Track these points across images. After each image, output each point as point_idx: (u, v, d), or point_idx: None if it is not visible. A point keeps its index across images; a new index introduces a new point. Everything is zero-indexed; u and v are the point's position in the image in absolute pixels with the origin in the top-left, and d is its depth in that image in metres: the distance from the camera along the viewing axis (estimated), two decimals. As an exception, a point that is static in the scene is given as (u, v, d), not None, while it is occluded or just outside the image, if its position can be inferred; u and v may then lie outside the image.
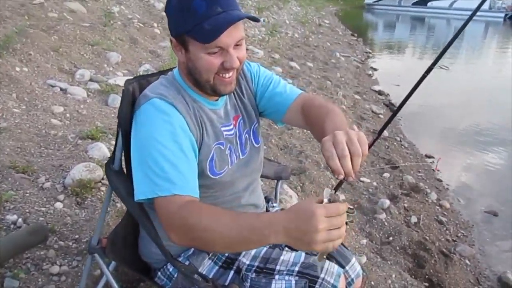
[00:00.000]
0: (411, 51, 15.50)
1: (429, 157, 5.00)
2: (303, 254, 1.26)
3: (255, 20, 1.15)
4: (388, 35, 21.35)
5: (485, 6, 34.49)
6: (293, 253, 1.27)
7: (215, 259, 1.27)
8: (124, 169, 1.34)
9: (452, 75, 10.28)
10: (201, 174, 1.18)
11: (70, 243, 1.96)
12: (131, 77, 1.35)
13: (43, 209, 2.10)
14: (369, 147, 1.26)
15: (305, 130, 4.43)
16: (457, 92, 8.20)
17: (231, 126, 1.30)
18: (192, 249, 1.28)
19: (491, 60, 13.72)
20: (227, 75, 1.15)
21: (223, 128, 1.26)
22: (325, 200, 0.86)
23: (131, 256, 1.41)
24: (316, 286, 1.17)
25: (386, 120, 1.34)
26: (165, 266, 1.30)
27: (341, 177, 0.88)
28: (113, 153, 1.30)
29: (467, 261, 3.02)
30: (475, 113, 6.98)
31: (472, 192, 4.25)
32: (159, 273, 1.32)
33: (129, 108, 1.25)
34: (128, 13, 7.07)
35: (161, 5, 8.14)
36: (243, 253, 1.26)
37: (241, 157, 1.32)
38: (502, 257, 3.18)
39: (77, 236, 2.00)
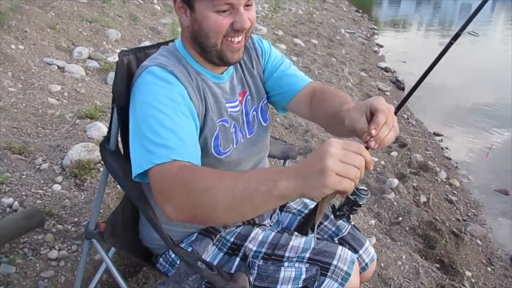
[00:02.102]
0: (416, 27, 15.20)
1: (438, 135, 4.88)
2: (314, 240, 1.17)
3: None
4: (393, 11, 20.96)
5: (493, -19, 33.79)
6: (303, 238, 1.18)
7: (219, 245, 1.18)
8: (121, 149, 1.24)
9: (459, 50, 10.02)
10: (205, 153, 1.08)
11: (69, 227, 1.88)
12: (126, 49, 1.24)
13: (40, 191, 2.01)
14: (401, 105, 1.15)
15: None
16: (465, 69, 8.00)
17: (237, 103, 1.19)
18: (195, 234, 1.19)
19: (498, 36, 13.40)
20: (236, 39, 1.04)
21: (227, 105, 1.15)
22: None
23: (131, 241, 1.33)
24: (329, 273, 1.08)
25: (407, 93, 1.23)
26: (167, 252, 1.21)
27: (372, 144, 0.83)
28: (109, 131, 1.20)
29: (478, 241, 2.95)
30: (483, 91, 6.81)
31: (482, 170, 4.15)
32: (161, 259, 1.23)
33: (124, 82, 1.15)
34: (127, -11, 6.87)
35: (161, -19, 7.90)
36: (250, 238, 1.17)
37: (247, 136, 1.22)
38: (514, 237, 3.10)
39: (76, 219, 1.92)
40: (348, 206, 1.28)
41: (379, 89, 6.07)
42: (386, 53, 9.10)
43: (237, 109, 1.19)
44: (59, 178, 2.12)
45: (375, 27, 13.02)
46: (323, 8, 13.64)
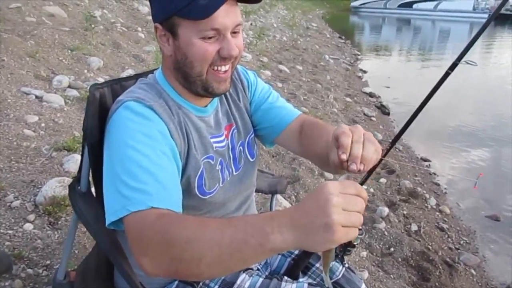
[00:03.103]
0: (398, 52, 15.52)
1: (425, 160, 4.85)
2: (305, 286, 1.06)
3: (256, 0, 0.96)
4: (375, 37, 21.44)
5: (469, 7, 35.15)
6: (294, 285, 1.07)
7: (204, 293, 1.06)
8: (94, 192, 1.13)
9: (441, 74, 10.20)
10: (188, 194, 0.98)
11: (40, 271, 1.74)
12: (100, 82, 1.15)
13: (10, 231, 1.87)
14: (384, 155, 1.09)
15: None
16: (448, 92, 8.11)
17: (223, 137, 1.10)
18: (176, 282, 1.07)
19: (479, 60, 13.74)
20: (223, 68, 0.96)
21: (212, 140, 1.06)
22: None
23: (105, 291, 1.20)
24: None
25: (401, 128, 1.16)
26: (144, 304, 1.09)
27: (353, 166, 0.78)
28: (79, 172, 1.09)
29: (472, 271, 2.86)
30: (468, 114, 6.88)
31: (471, 196, 4.10)
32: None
33: (96, 118, 1.05)
34: (111, 17, 6.85)
35: (145, 9, 7.93)
36: (235, 286, 1.06)
37: (234, 173, 1.13)
38: (508, 265, 3.03)
39: (48, 262, 1.78)
40: (342, 246, 1.19)
41: (364, 114, 6.07)
42: (369, 78, 9.20)
43: (223, 143, 1.10)
44: (31, 217, 1.99)
45: (358, 52, 13.23)
46: (307, 34, 13.86)
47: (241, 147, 1.16)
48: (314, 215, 0.62)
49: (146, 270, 0.75)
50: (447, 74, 1.07)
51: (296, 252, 1.31)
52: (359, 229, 1.12)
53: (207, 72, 0.95)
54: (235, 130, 1.15)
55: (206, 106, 1.07)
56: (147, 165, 0.84)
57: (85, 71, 4.32)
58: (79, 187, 1.10)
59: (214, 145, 1.06)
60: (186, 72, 0.96)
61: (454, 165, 4.88)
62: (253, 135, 1.21)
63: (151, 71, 1.30)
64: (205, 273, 0.72)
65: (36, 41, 4.41)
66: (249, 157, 1.19)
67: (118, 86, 1.18)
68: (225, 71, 0.97)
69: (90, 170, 1.09)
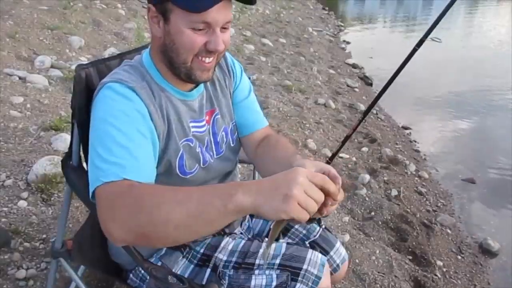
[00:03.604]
0: (382, 23, 15.50)
1: (406, 128, 4.99)
2: (284, 245, 1.16)
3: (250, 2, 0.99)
4: (359, 8, 21.30)
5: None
6: (274, 245, 1.17)
7: (190, 257, 1.16)
8: (84, 165, 1.21)
9: (424, 44, 10.30)
10: (170, 174, 1.06)
11: (37, 244, 1.82)
12: (84, 62, 1.21)
13: (5, 209, 1.95)
14: (354, 129, 1.18)
15: (281, 108, 4.33)
16: (429, 61, 8.22)
17: (203, 123, 1.15)
18: (165, 248, 1.17)
19: (460, 30, 13.84)
20: (207, 60, 1.00)
21: (191, 124, 1.11)
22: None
23: (100, 257, 1.30)
24: (299, 278, 1.08)
25: (373, 99, 1.25)
26: (137, 268, 1.19)
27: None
28: (70, 147, 1.17)
29: (448, 231, 3.03)
30: (446, 82, 7.02)
31: (449, 161, 4.28)
32: (131, 274, 1.21)
33: (83, 96, 1.12)
34: (90, -6, 6.71)
35: (124, -15, 7.76)
36: (220, 248, 1.16)
37: (215, 156, 1.19)
38: (482, 224, 3.21)
39: (44, 236, 1.87)
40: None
41: (347, 85, 6.16)
42: (353, 50, 9.25)
43: (203, 129, 1.15)
44: (25, 194, 2.06)
45: (342, 24, 13.21)
46: (290, 7, 13.72)
47: (223, 133, 1.20)
48: (279, 185, 0.72)
49: (113, 237, 0.80)
50: (414, 51, 1.15)
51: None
52: (315, 219, 1.22)
53: (192, 60, 0.99)
54: (218, 116, 1.19)
55: (190, 90, 1.11)
56: (122, 141, 0.90)
57: (67, 50, 4.30)
58: (71, 162, 1.17)
59: (193, 129, 1.11)
60: (171, 57, 0.99)
61: (433, 131, 5.03)
62: (235, 122, 1.26)
63: (136, 50, 1.36)
64: (172, 236, 0.77)
65: (15, 21, 4.35)
66: (231, 142, 1.23)
67: (103, 66, 1.23)
68: (209, 62, 1.01)
69: (81, 146, 1.17)
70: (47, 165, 2.17)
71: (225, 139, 1.21)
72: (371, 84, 6.69)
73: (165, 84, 1.06)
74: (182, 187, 0.83)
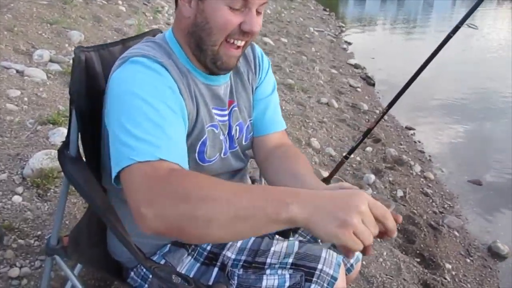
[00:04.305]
0: (382, 24, 15.47)
1: (410, 128, 4.92)
2: (297, 244, 1.08)
3: None
4: (359, 9, 21.29)
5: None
6: (286, 243, 1.09)
7: (195, 255, 1.08)
8: (83, 156, 1.13)
9: (425, 44, 10.26)
10: (188, 158, 0.98)
11: (32, 241, 1.73)
12: (84, 46, 1.13)
13: (-2, 204, 1.86)
14: (377, 122, 1.11)
15: (284, 107, 4.26)
16: (434, 63, 8.16)
17: (226, 111, 1.08)
18: (168, 246, 1.08)
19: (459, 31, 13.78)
20: (238, 43, 0.94)
21: (214, 111, 1.04)
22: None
23: (99, 255, 1.21)
24: (314, 279, 0.99)
25: (399, 91, 1.17)
26: (138, 266, 1.11)
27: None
28: (67, 136, 1.08)
29: (456, 233, 2.96)
30: (451, 83, 6.95)
31: (454, 162, 4.20)
32: (132, 273, 1.12)
33: (83, 81, 1.04)
34: (90, -10, 6.63)
35: (125, -19, 7.68)
36: (228, 245, 1.08)
37: (229, 151, 1.11)
38: (489, 226, 3.14)
39: (39, 233, 1.78)
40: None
41: (350, 85, 6.09)
42: (354, 50, 9.19)
43: (225, 118, 1.08)
44: (20, 189, 1.97)
45: (343, 25, 13.15)
46: (291, 7, 13.65)
47: (237, 127, 1.12)
48: (340, 208, 0.65)
49: (146, 223, 0.71)
50: (448, 37, 1.07)
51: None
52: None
53: (222, 43, 0.93)
54: (235, 108, 1.12)
55: (217, 75, 1.03)
56: (155, 118, 0.81)
57: (66, 45, 4.21)
58: (68, 152, 1.09)
59: (216, 116, 1.04)
60: (202, 37, 0.93)
61: (437, 132, 4.96)
62: (252, 120, 1.18)
63: (140, 35, 1.28)
64: (212, 235, 0.70)
65: (14, 14, 4.26)
66: (243, 140, 1.16)
67: (106, 51, 1.15)
68: (239, 47, 0.95)
69: (79, 135, 1.09)
70: (44, 159, 2.08)
71: (238, 135, 1.13)
72: (373, 84, 6.62)
73: (190, 66, 0.99)
74: (232, 182, 0.76)
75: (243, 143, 1.16)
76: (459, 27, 1.05)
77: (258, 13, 0.93)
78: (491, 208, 3.38)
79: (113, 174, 0.81)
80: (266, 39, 7.48)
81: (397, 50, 9.96)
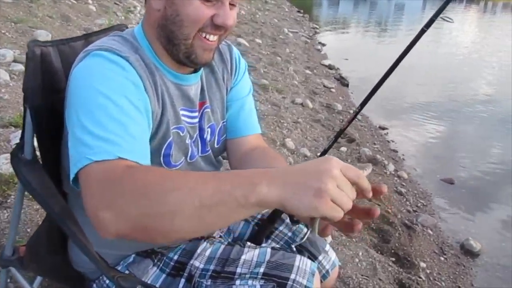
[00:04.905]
0: (355, 26, 15.69)
1: (383, 128, 4.96)
2: (269, 251, 1.02)
3: None
4: (333, 11, 21.55)
5: (423, -19, 35.93)
6: (257, 250, 1.03)
7: (161, 265, 1.01)
8: (41, 159, 1.05)
9: (397, 45, 10.45)
10: (152, 162, 0.89)
11: (-10, 251, 1.63)
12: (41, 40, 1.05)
13: (-47, 212, 1.74)
14: (350, 122, 1.11)
15: (259, 107, 4.22)
16: (403, 61, 8.29)
17: (196, 113, 1.02)
18: (133, 256, 1.01)
19: (430, 32, 14.13)
20: (211, 37, 0.88)
21: (182, 112, 0.98)
22: None
23: (59, 265, 1.13)
24: None
25: (371, 90, 1.14)
26: (101, 277, 1.03)
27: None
28: (22, 138, 1.00)
29: (429, 231, 2.98)
30: (422, 83, 7.08)
31: (427, 161, 4.26)
32: (94, 285, 1.05)
33: (38, 77, 0.96)
34: (58, -11, 6.43)
35: (95, -20, 7.49)
36: (196, 254, 1.01)
37: (200, 154, 1.06)
38: (462, 224, 3.18)
39: (-2, 243, 1.67)
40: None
41: (324, 86, 6.11)
42: (328, 51, 9.26)
43: (195, 120, 1.02)
44: (-23, 196, 1.85)
45: (317, 26, 13.26)
46: (265, 8, 13.68)
47: (209, 129, 1.07)
48: (311, 176, 0.61)
49: (105, 228, 0.65)
50: (422, 32, 1.04)
51: (259, 216, 1.28)
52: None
53: (194, 37, 0.87)
54: (207, 110, 1.05)
55: (188, 73, 0.98)
56: (117, 115, 0.75)
57: (32, 44, 4.05)
58: (22, 154, 1.01)
59: (183, 118, 0.98)
60: (173, 31, 0.87)
61: (410, 131, 5.02)
62: (226, 122, 1.12)
63: (104, 30, 1.20)
64: (179, 230, 0.64)
65: (-25, 12, 4.08)
66: (215, 143, 1.10)
67: (66, 46, 1.08)
68: (213, 41, 0.89)
69: (35, 136, 1.01)
70: (4, 164, 1.97)
71: (210, 138, 1.07)
72: (347, 85, 6.67)
73: (159, 63, 0.93)
74: (193, 171, 0.70)
75: (215, 146, 1.11)
76: (434, 20, 1.03)
77: (232, 6, 0.88)
78: (463, 206, 3.43)
79: (71, 176, 0.75)
80: (241, 40, 7.44)
81: (370, 51, 10.10)
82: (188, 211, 0.62)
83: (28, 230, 1.75)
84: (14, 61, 3.55)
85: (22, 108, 2.61)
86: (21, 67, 3.44)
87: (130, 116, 0.78)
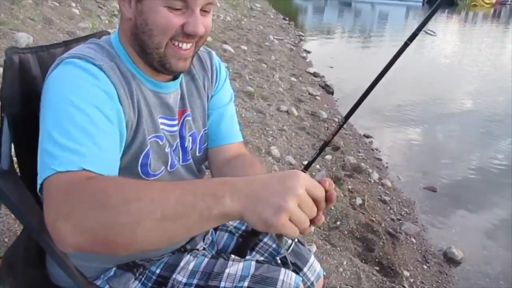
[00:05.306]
0: (340, 34, 15.83)
1: (367, 136, 5.00)
2: (253, 264, 1.01)
3: None
4: (318, 19, 21.74)
5: (406, -9, 36.66)
6: (241, 264, 1.02)
7: (143, 279, 0.98)
8: (18, 169, 1.02)
9: (381, 53, 10.59)
10: (130, 171, 0.89)
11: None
12: (20, 47, 1.02)
13: None
14: (334, 135, 1.12)
15: (244, 114, 4.21)
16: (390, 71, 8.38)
17: (175, 121, 1.00)
18: (113, 269, 0.99)
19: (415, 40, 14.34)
20: (184, 46, 0.86)
21: (161, 120, 0.96)
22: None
23: (37, 280, 1.09)
24: None
25: (355, 103, 1.15)
26: (80, 291, 1.00)
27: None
28: (-2, 147, 0.96)
29: (413, 239, 2.99)
30: (406, 91, 7.17)
31: (410, 169, 4.30)
32: (73, 300, 1.01)
33: (16, 85, 0.93)
34: (41, -9, 6.33)
35: (79, -16, 7.41)
36: (179, 268, 0.99)
37: (181, 163, 1.04)
38: (445, 232, 3.20)
39: (-27, 253, 1.61)
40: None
41: (309, 93, 6.13)
42: (313, 59, 9.30)
43: (174, 129, 1.00)
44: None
45: (302, 34, 13.33)
46: (251, 15, 13.72)
47: (190, 137, 1.05)
48: (274, 192, 0.60)
49: (64, 240, 0.63)
50: (405, 45, 1.04)
51: (243, 227, 1.26)
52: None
53: (167, 45, 0.86)
54: (188, 118, 1.04)
55: (166, 81, 0.96)
56: (85, 124, 0.74)
57: (12, 48, 3.96)
58: (-1, 164, 0.97)
59: (162, 126, 0.96)
60: (143, 40, 0.86)
61: (393, 139, 5.07)
62: (207, 130, 1.11)
63: (85, 37, 1.18)
64: (140, 241, 0.62)
65: (-47, 14, 3.98)
66: (197, 151, 1.09)
67: (45, 53, 1.05)
68: (187, 49, 0.88)
69: (13, 145, 0.97)
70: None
71: (191, 146, 1.06)
72: (332, 93, 6.71)
73: (136, 70, 0.91)
74: (155, 181, 0.68)
75: (197, 154, 1.09)
76: (417, 34, 1.03)
77: (205, 12, 0.87)
78: (446, 214, 3.47)
79: (38, 187, 0.73)
80: (226, 46, 7.43)
81: (354, 59, 10.20)
82: (150, 223, 0.60)
83: (6, 240, 1.70)
84: (-6, 64, 3.46)
85: (1, 113, 2.51)
86: (0, 70, 3.36)
87: (98, 126, 0.76)
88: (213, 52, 1.14)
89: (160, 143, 0.95)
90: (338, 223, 2.87)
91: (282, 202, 0.58)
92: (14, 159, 0.99)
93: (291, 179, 0.61)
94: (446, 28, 18.17)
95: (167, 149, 0.97)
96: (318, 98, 6.07)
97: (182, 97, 1.03)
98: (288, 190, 0.59)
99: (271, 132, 4.04)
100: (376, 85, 1.07)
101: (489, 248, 3.05)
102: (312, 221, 0.64)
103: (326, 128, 4.80)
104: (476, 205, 3.65)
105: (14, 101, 0.93)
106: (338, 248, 2.58)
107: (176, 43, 0.86)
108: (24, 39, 4.15)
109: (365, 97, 1.11)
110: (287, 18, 16.27)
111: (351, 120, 5.47)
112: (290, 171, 0.64)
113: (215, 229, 1.26)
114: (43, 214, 0.96)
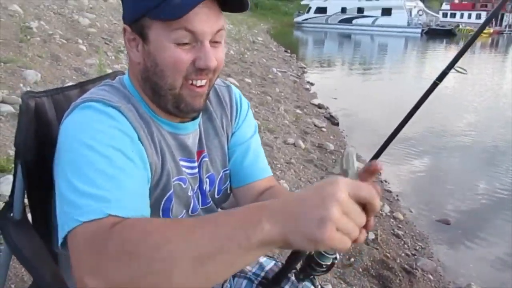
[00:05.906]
0: (341, 65, 16.08)
1: (376, 168, 4.94)
2: None
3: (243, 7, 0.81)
4: (319, 51, 22.13)
5: (404, 22, 37.55)
6: None
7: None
8: (31, 218, 0.97)
9: (383, 83, 10.68)
10: (151, 215, 0.84)
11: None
12: (35, 91, 0.99)
13: None
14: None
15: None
16: (390, 99, 8.43)
17: (195, 163, 0.95)
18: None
19: (414, 71, 14.53)
20: (199, 83, 0.82)
21: (182, 163, 0.91)
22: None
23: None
24: None
25: (385, 141, 1.11)
26: None
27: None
28: (11, 195, 0.92)
29: (430, 276, 2.88)
30: (411, 122, 7.15)
31: (421, 201, 4.21)
32: None
33: (31, 131, 0.90)
34: (49, 29, 6.47)
35: (86, 21, 7.59)
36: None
37: (201, 206, 0.98)
38: (462, 268, 3.10)
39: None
40: (309, 267, 1.06)
41: (315, 125, 6.12)
42: (317, 90, 9.37)
43: (195, 171, 0.95)
44: (-44, 249, 1.72)
45: (304, 65, 13.52)
46: (254, 48, 13.96)
47: (207, 179, 0.99)
48: (312, 205, 0.53)
49: None
50: (435, 85, 1.01)
51: (263, 273, 1.19)
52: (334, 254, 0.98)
53: (182, 86, 0.81)
54: (206, 159, 0.99)
55: (183, 122, 0.92)
56: (105, 168, 0.69)
57: (21, 84, 3.99)
58: (11, 214, 0.92)
59: (184, 169, 0.92)
60: (156, 82, 0.82)
61: (403, 170, 5.00)
62: (228, 170, 1.04)
63: (100, 78, 1.15)
64: (181, 284, 0.55)
65: (-37, 53, 4.03)
66: (216, 193, 1.02)
67: (60, 96, 1.02)
68: (202, 86, 0.83)
69: (26, 193, 0.93)
70: (-13, 213, 1.85)
71: (209, 188, 1.00)
72: (337, 124, 6.70)
73: (151, 113, 0.87)
74: (183, 218, 0.62)
75: (216, 196, 1.04)
76: (447, 73, 1.00)
77: (216, 43, 0.82)
78: (461, 247, 3.37)
79: (59, 241, 0.68)
80: (231, 79, 7.50)
81: (357, 90, 10.27)
82: (186, 265, 0.54)
83: (12, 286, 1.62)
84: (2, 101, 3.47)
85: (9, 151, 2.52)
86: (9, 108, 3.37)
87: (121, 168, 0.71)
88: (232, 86, 1.09)
89: (183, 186, 0.91)
90: (352, 260, 2.78)
91: (323, 212, 0.51)
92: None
93: (328, 186, 0.54)
94: (446, 57, 18.38)
95: (190, 193, 0.93)
96: (324, 129, 6.06)
97: (199, 138, 0.99)
98: (327, 197, 0.52)
99: (279, 166, 3.99)
100: (405, 124, 1.04)
101: (508, 282, 2.94)
102: (364, 228, 0.56)
103: (333, 160, 4.75)
104: (491, 238, 3.55)
105: (29, 147, 0.89)
106: (354, 287, 2.49)
107: (191, 82, 0.82)
108: (32, 76, 4.19)
109: (393, 137, 1.07)
110: (288, 51, 16.56)
111: (359, 151, 5.44)
112: (327, 179, 0.56)
113: (233, 276, 1.19)
114: (56, 265, 0.91)
